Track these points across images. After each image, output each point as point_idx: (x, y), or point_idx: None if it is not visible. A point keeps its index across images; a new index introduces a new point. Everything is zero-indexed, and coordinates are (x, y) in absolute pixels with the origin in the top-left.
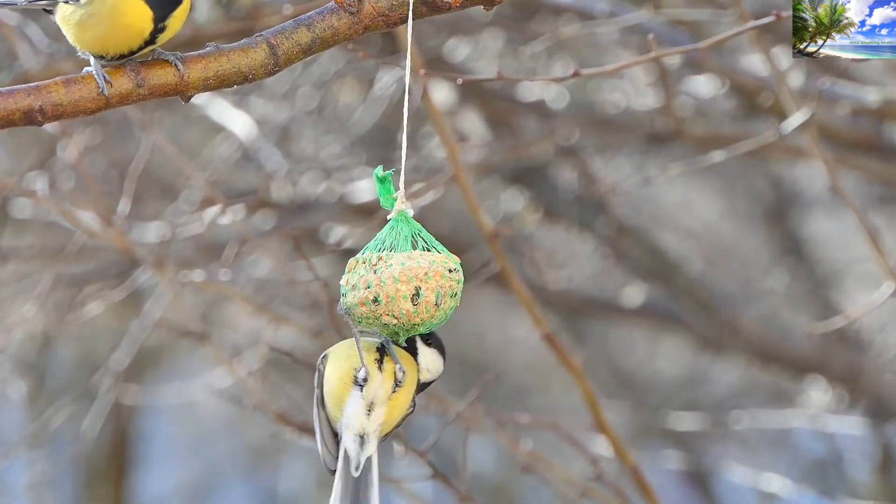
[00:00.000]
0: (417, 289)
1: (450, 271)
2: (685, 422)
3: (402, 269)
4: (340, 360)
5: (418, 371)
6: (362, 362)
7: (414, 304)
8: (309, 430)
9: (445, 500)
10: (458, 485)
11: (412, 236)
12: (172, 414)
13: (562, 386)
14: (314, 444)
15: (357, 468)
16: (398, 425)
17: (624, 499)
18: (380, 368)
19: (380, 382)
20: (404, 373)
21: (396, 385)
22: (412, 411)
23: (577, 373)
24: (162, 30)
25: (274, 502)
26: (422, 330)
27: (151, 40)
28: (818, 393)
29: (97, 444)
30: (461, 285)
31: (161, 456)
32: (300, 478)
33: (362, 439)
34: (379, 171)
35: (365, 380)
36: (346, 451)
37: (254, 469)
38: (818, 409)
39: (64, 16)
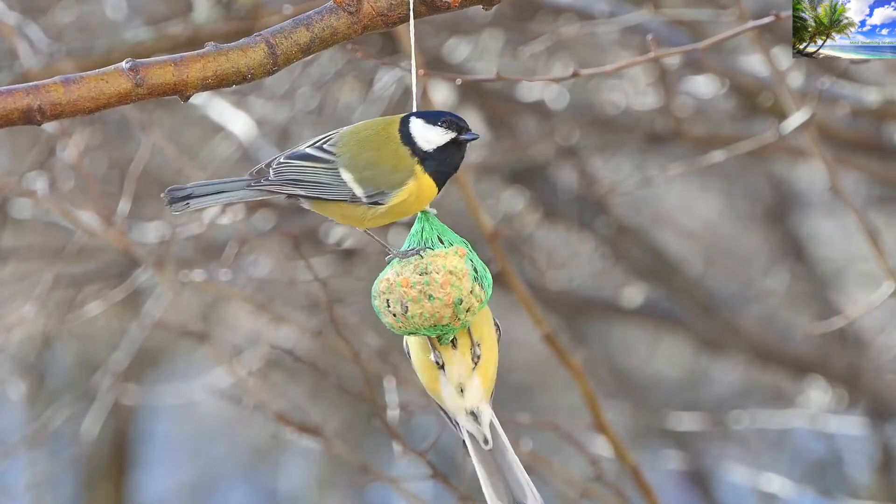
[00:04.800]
0: (388, 301)
1: (421, 274)
2: (685, 422)
3: (382, 282)
4: (417, 351)
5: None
6: (433, 356)
7: (393, 316)
8: (308, 430)
9: (445, 500)
10: (457, 485)
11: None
12: (172, 414)
13: (562, 386)
14: (314, 444)
15: (485, 441)
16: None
17: (624, 499)
18: (454, 345)
19: (458, 361)
20: (479, 345)
21: (475, 359)
22: (499, 333)
23: (577, 373)
24: None
25: (274, 502)
26: (429, 332)
27: None
28: (818, 393)
29: (97, 444)
30: (442, 283)
31: (161, 456)
32: (300, 478)
33: (474, 415)
34: None
35: (442, 365)
36: (467, 432)
37: (254, 469)
38: (818, 409)
39: (367, 213)
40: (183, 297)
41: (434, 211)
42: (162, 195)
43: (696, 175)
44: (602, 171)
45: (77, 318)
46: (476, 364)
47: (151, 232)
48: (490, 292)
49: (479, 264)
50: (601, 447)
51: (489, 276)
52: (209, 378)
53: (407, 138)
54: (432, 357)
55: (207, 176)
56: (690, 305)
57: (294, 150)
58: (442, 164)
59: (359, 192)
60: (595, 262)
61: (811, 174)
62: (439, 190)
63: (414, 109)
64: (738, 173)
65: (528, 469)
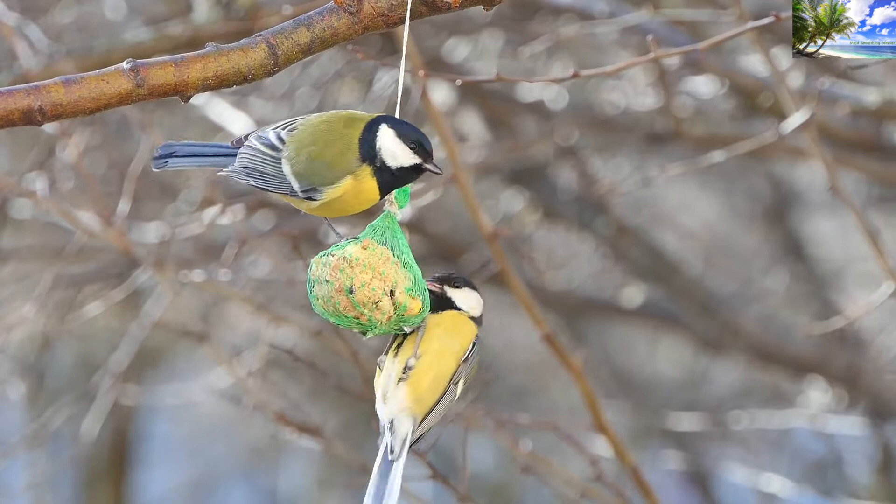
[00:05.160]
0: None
1: (325, 256)
2: (685, 422)
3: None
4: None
5: (469, 316)
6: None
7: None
8: (308, 430)
9: (445, 500)
10: (457, 485)
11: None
12: (172, 414)
13: (561, 386)
14: (314, 444)
15: (392, 451)
16: (439, 400)
17: (624, 499)
18: (396, 354)
19: (390, 369)
20: (417, 358)
21: (406, 369)
22: (471, 356)
23: (577, 373)
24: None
25: (274, 502)
26: (339, 321)
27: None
28: (818, 393)
29: (97, 445)
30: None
31: (161, 456)
32: (300, 478)
33: (391, 424)
34: None
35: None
36: (384, 436)
37: (253, 469)
38: (818, 409)
39: (303, 206)
40: (183, 298)
41: (399, 215)
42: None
43: (696, 175)
44: (602, 171)
45: (77, 318)
46: (405, 376)
47: (151, 232)
48: (423, 305)
49: (410, 274)
50: (601, 447)
51: (423, 287)
52: (209, 378)
53: (368, 144)
54: (379, 359)
55: (207, 176)
56: (690, 305)
57: (263, 131)
58: (395, 181)
59: (295, 186)
60: (595, 262)
61: (811, 174)
62: (381, 197)
63: (398, 108)
64: (738, 173)
65: (528, 469)
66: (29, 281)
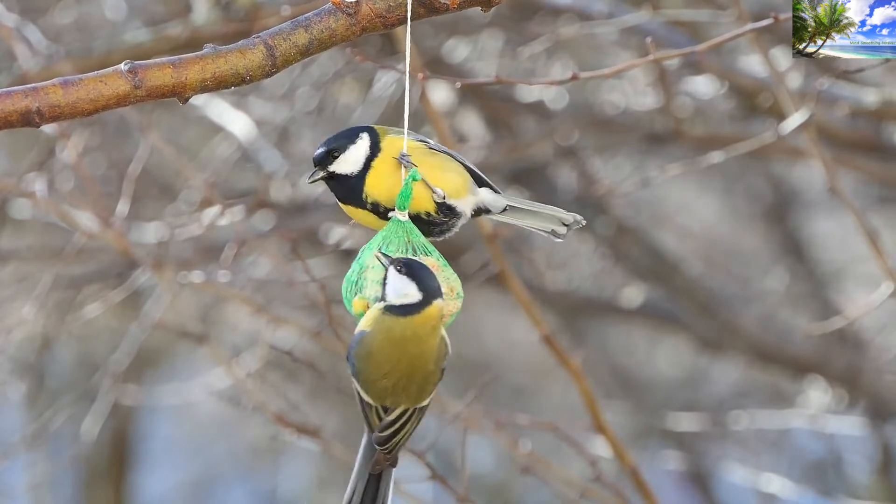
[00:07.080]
0: None
1: None
2: (685, 422)
3: None
4: None
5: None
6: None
7: None
8: (307, 431)
9: (444, 500)
10: (456, 486)
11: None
12: (172, 414)
13: (561, 387)
14: (313, 445)
15: None
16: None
17: (623, 499)
18: None
19: None
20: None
21: None
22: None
23: (577, 373)
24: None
25: (273, 502)
26: None
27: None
28: (818, 393)
29: (97, 445)
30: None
31: (161, 456)
32: (299, 478)
33: None
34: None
35: None
36: None
37: (253, 470)
38: (818, 410)
39: None
40: (182, 298)
41: (402, 216)
42: None
43: (695, 175)
44: (602, 171)
45: (77, 319)
46: None
47: (150, 233)
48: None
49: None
50: (600, 448)
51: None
52: (208, 379)
53: None
54: None
55: (206, 177)
56: (690, 305)
57: None
58: (337, 187)
59: None
60: (595, 262)
61: (811, 174)
62: (345, 203)
63: (406, 112)
64: (738, 173)
65: (528, 470)
66: (29, 281)
